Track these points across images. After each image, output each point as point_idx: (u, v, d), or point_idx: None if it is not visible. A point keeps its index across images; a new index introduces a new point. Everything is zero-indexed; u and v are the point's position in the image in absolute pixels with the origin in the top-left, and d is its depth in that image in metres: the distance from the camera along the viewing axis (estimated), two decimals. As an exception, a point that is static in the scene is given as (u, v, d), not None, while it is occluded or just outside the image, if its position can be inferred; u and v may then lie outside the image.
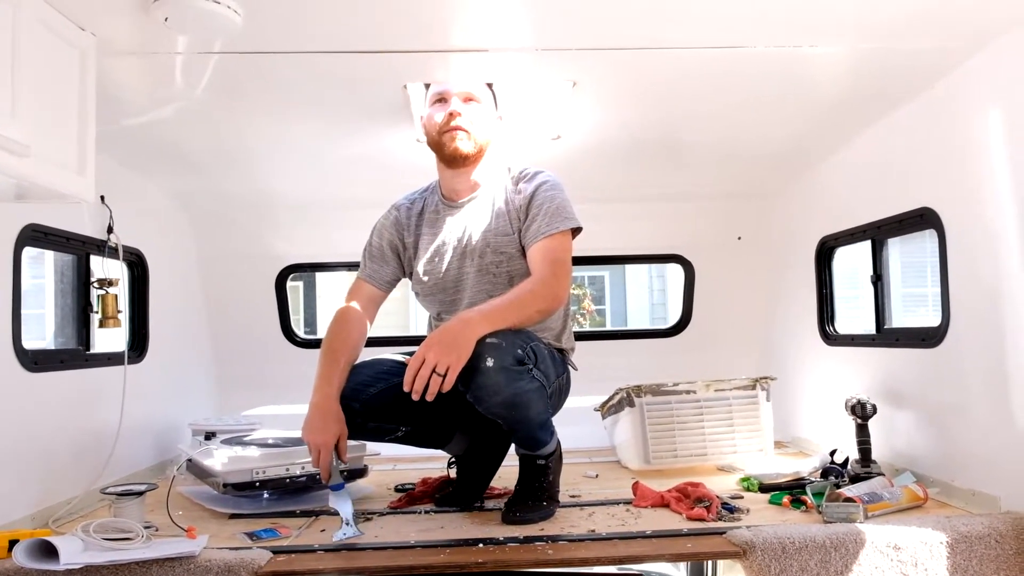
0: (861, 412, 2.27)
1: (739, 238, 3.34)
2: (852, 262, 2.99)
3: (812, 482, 2.12)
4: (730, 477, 2.43)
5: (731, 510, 1.94)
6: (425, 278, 2.13)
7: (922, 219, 2.17)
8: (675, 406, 2.63)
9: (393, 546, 1.75)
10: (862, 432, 2.27)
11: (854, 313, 3.32)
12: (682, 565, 3.07)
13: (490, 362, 1.74)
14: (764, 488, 2.20)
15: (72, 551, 1.54)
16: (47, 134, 1.50)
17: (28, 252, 2.05)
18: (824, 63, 1.98)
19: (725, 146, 2.63)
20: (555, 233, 1.98)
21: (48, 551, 1.55)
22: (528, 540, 1.76)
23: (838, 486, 1.97)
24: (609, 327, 13.84)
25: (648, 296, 14.29)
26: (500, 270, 2.05)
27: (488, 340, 1.75)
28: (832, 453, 2.35)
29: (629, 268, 13.57)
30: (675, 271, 3.59)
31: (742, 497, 2.13)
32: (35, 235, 2.06)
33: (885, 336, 2.46)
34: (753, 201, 3.22)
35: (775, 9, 1.70)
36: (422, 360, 1.71)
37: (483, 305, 1.87)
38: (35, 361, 2.05)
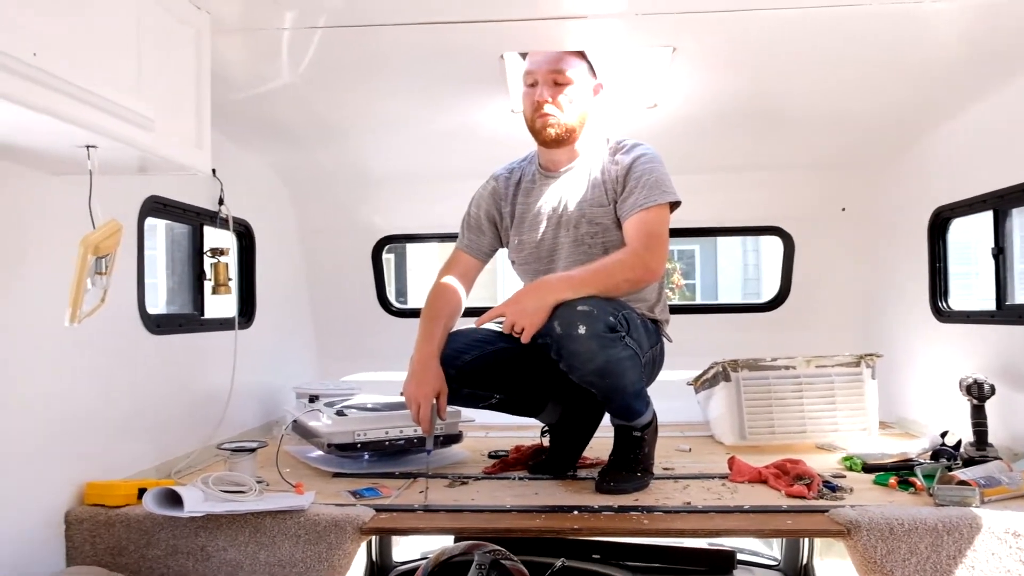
0: (978, 392, 2.14)
1: (843, 209, 3.19)
2: (965, 237, 2.80)
3: (922, 464, 2.03)
4: (831, 456, 2.35)
5: (833, 488, 1.88)
6: (520, 247, 2.15)
7: (1054, 187, 2.02)
8: (773, 381, 2.56)
9: (490, 509, 1.80)
10: (978, 414, 2.14)
11: (964, 292, 3.12)
12: (776, 545, 3.01)
13: (582, 329, 1.74)
14: (868, 468, 2.11)
15: (195, 500, 1.66)
16: (168, 108, 1.59)
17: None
18: (943, 20, 1.85)
19: (830, 113, 2.50)
20: (652, 206, 1.95)
21: (173, 499, 1.68)
22: (623, 509, 1.76)
23: (951, 469, 1.88)
24: (699, 302, 13.58)
25: (741, 271, 13.90)
26: (595, 241, 2.04)
27: (580, 308, 1.76)
28: (943, 435, 2.24)
29: (721, 242, 13.26)
30: (771, 245, 3.47)
31: (844, 476, 2.06)
32: (156, 206, 2.18)
33: (1007, 313, 2.30)
34: (859, 170, 3.06)
35: (894, -38, 1.60)
36: (502, 314, 1.81)
37: (569, 271, 1.88)
38: (157, 324, 2.19)
